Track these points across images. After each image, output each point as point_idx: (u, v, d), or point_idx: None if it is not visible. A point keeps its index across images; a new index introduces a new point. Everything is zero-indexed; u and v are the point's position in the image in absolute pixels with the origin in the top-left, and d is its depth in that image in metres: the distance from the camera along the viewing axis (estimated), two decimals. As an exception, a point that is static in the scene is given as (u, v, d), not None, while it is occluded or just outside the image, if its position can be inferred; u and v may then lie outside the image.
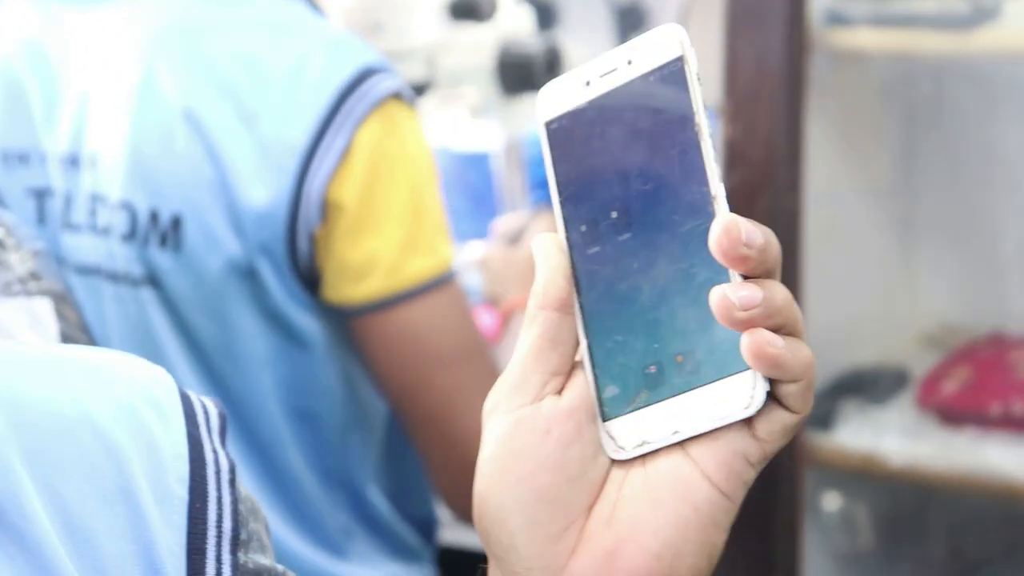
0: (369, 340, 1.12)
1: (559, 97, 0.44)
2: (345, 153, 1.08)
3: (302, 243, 1.09)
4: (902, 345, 1.53)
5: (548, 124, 0.43)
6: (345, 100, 1.07)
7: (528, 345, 0.43)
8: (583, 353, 0.43)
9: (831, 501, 1.48)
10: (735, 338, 0.38)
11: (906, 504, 1.52)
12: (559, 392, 0.42)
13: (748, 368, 0.38)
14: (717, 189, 0.38)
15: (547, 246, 0.43)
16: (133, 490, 0.47)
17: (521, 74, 1.46)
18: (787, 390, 0.38)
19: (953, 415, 1.34)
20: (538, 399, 0.41)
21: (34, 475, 0.46)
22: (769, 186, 1.28)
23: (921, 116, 1.55)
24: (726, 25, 1.24)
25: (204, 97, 1.10)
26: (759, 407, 0.37)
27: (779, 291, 0.37)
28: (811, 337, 0.56)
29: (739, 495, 0.39)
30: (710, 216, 0.38)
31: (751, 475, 0.39)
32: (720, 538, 0.40)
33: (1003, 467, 1.30)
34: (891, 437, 1.37)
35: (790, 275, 1.30)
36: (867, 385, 1.45)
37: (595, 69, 0.43)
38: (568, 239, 0.43)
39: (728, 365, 0.39)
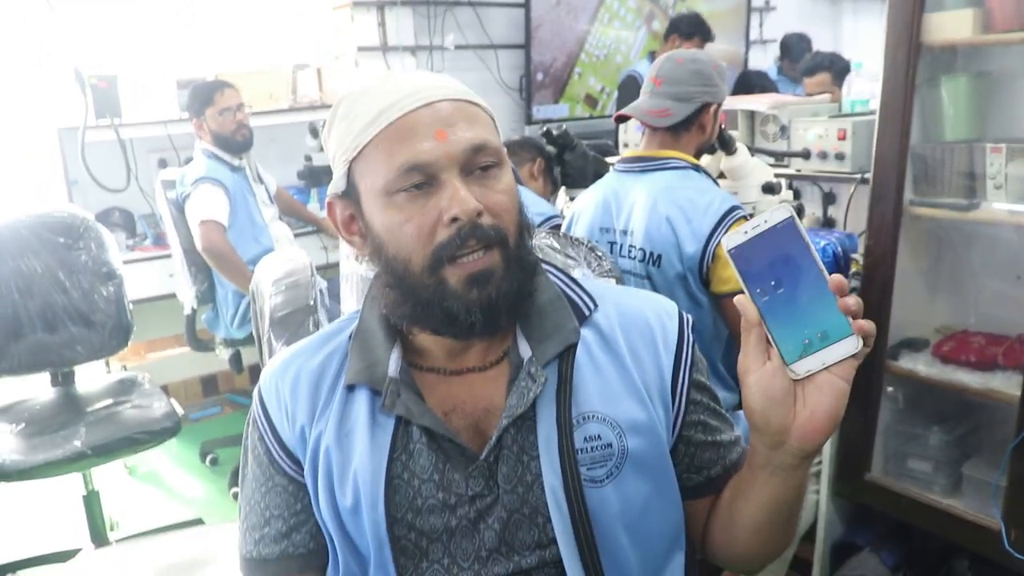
0: (723, 307, 1.85)
1: (734, 237, 0.67)
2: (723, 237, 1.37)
3: (704, 269, 1.83)
4: (927, 330, 2.13)
5: (729, 251, 0.68)
6: (725, 218, 1.82)
7: (751, 341, 0.68)
8: (772, 340, 0.65)
9: (888, 382, 2.07)
10: (843, 322, 0.62)
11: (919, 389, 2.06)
12: (768, 359, 0.68)
13: (853, 333, 0.63)
14: (823, 270, 0.58)
15: (743, 300, 0.68)
16: (657, 341, 0.86)
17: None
18: (866, 343, 0.63)
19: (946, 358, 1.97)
20: (762, 364, 0.68)
21: (623, 333, 0.86)
22: (880, 265, 1.95)
23: (943, 242, 2.09)
24: (871, 197, 1.91)
25: (673, 212, 1.85)
26: (860, 348, 0.64)
27: (861, 303, 0.62)
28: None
29: (851, 381, 0.67)
30: (823, 278, 0.61)
31: (853, 374, 0.66)
32: (847, 393, 0.66)
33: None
34: (920, 365, 2.01)
35: (885, 297, 1.97)
36: (911, 344, 2.09)
37: (749, 224, 0.63)
38: (751, 295, 0.67)
39: (842, 333, 0.64)
